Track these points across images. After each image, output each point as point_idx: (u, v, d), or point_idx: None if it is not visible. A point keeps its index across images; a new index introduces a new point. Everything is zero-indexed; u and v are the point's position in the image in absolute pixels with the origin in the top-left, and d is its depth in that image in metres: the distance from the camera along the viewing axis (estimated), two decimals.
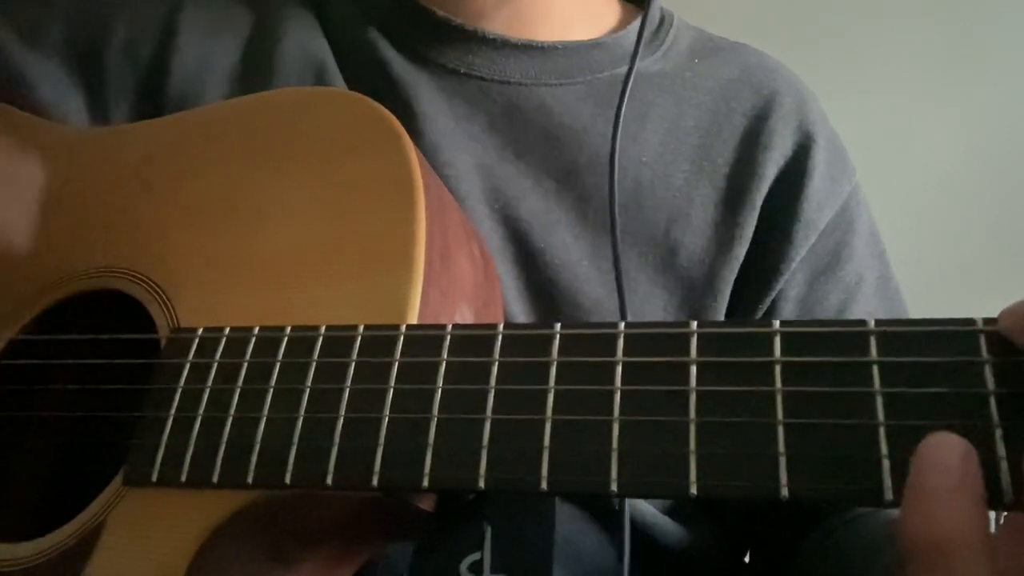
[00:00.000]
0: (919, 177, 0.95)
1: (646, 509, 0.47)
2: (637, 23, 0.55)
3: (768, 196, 0.51)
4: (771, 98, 0.53)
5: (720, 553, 0.51)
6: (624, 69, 0.51)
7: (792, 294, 0.52)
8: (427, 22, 0.52)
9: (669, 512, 0.49)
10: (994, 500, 0.24)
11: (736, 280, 0.51)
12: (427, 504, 0.35)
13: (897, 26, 0.94)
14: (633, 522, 0.46)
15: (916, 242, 0.90)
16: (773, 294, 0.51)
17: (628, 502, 0.45)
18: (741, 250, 0.50)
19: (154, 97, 0.51)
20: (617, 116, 0.46)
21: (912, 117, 0.94)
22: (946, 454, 0.24)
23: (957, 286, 0.90)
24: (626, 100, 0.47)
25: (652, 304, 0.49)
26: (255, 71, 0.51)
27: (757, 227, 0.51)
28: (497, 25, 0.52)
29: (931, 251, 0.91)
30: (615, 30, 0.55)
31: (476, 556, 0.33)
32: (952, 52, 0.94)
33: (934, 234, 0.94)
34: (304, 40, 0.52)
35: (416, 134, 0.48)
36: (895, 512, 0.46)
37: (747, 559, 0.56)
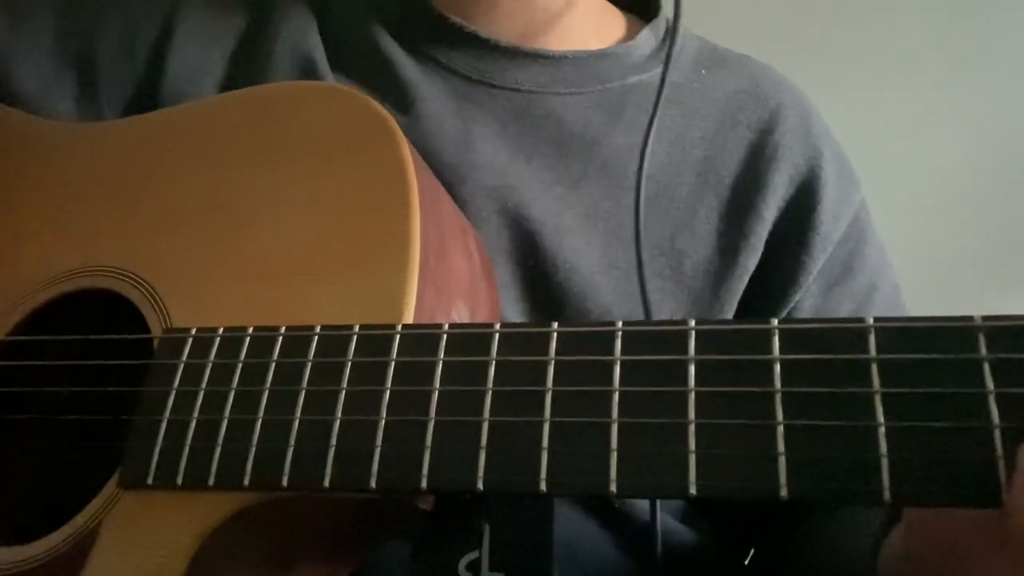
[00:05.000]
0: (919, 177, 0.95)
1: (647, 508, 0.47)
2: (645, 34, 0.55)
3: (782, 210, 0.51)
4: (776, 111, 0.53)
5: (722, 555, 0.51)
6: (632, 79, 0.52)
7: (807, 304, 0.52)
8: (439, 26, 0.52)
9: (672, 512, 0.49)
10: (992, 500, 0.24)
11: (751, 292, 0.51)
12: (426, 504, 0.35)
13: (899, 26, 0.94)
14: (633, 520, 0.46)
15: (916, 242, 0.90)
16: (791, 305, 0.51)
17: (625, 500, 0.45)
18: (749, 260, 0.50)
19: (150, 94, 0.50)
20: (648, 129, 0.46)
21: (912, 117, 0.94)
22: None
23: (957, 286, 0.90)
24: (627, 111, 0.48)
25: (659, 313, 0.49)
26: (249, 70, 0.50)
27: (770, 240, 0.51)
28: (506, 33, 0.52)
29: (931, 251, 0.91)
30: (622, 41, 0.55)
31: (474, 555, 0.33)
32: (953, 51, 0.94)
33: (934, 234, 0.94)
34: (296, 37, 0.51)
35: (423, 134, 0.48)
36: None
37: (747, 559, 0.56)
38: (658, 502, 0.42)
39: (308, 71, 0.50)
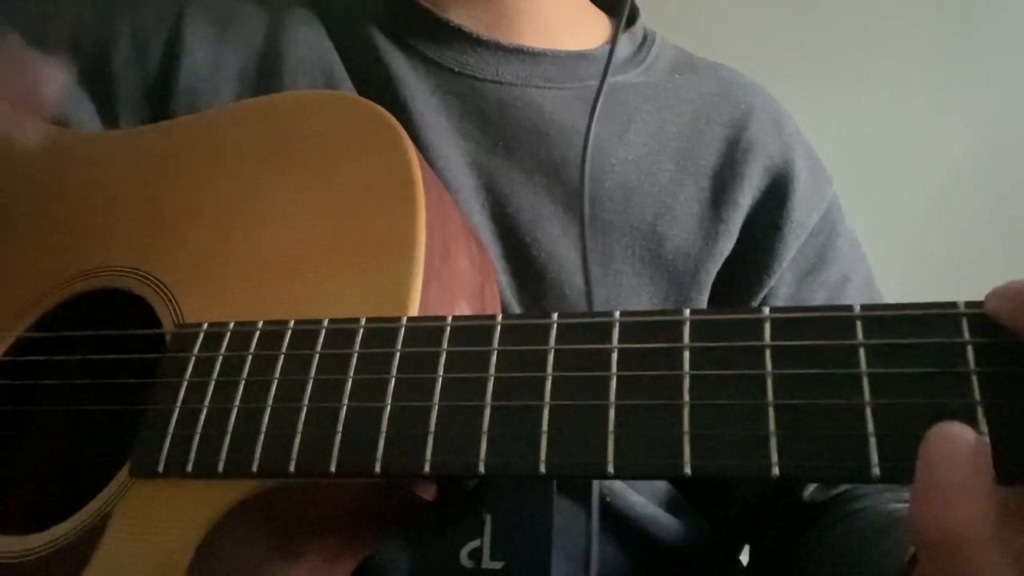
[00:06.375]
0: (920, 177, 0.96)
1: (637, 500, 0.47)
2: (623, 38, 0.57)
3: (758, 200, 0.53)
4: (748, 112, 0.56)
5: (715, 548, 0.52)
6: (610, 79, 0.53)
7: (782, 292, 0.54)
8: (425, 20, 0.54)
9: (661, 504, 0.49)
10: None
11: (728, 277, 0.52)
12: (428, 494, 0.35)
13: (899, 27, 0.96)
14: (624, 514, 0.47)
15: (916, 242, 0.90)
16: (765, 290, 0.53)
17: (616, 493, 0.46)
18: (726, 245, 0.52)
19: (164, 99, 0.52)
20: (591, 113, 0.48)
21: (913, 118, 0.95)
22: (956, 447, 0.24)
23: (957, 286, 0.91)
24: (607, 104, 0.50)
25: (638, 296, 0.50)
26: (265, 74, 0.52)
27: (745, 228, 0.53)
28: (489, 29, 0.54)
29: (931, 251, 0.92)
30: (603, 44, 0.58)
31: (476, 543, 0.34)
32: (954, 52, 0.95)
33: (934, 234, 0.94)
34: (312, 43, 0.53)
35: (412, 130, 0.50)
36: (889, 507, 0.47)
37: (746, 560, 0.56)
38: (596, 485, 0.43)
39: (328, 77, 0.52)
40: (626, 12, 0.55)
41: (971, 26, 0.95)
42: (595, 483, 0.41)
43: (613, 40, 0.52)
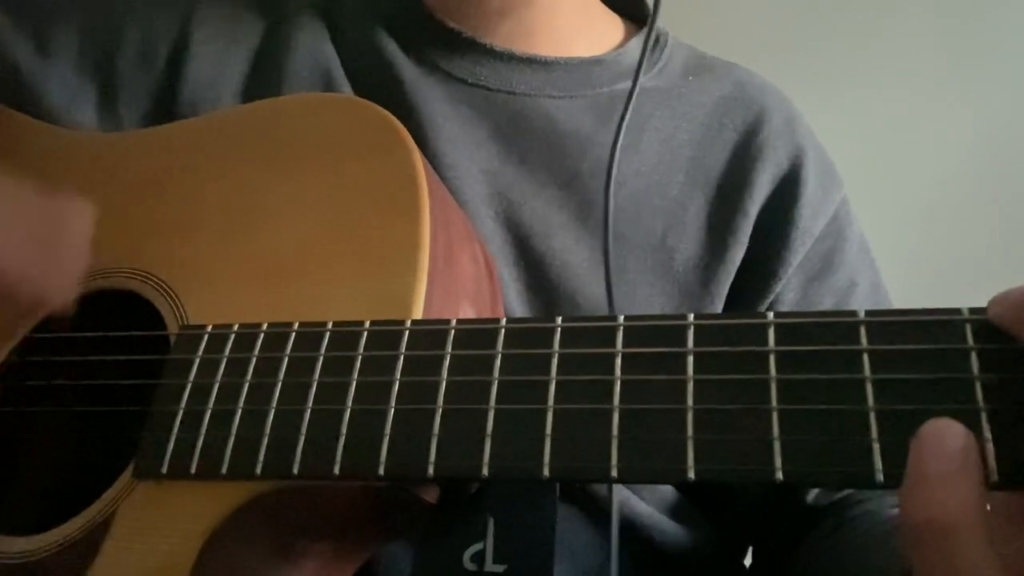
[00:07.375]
0: (923, 176, 0.96)
1: (643, 509, 0.47)
2: (635, 42, 0.57)
3: (765, 205, 0.53)
4: (761, 114, 0.55)
5: (718, 553, 0.52)
6: (622, 86, 0.54)
7: (788, 298, 0.53)
8: (438, 31, 0.54)
9: (666, 511, 0.49)
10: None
11: (735, 283, 0.52)
12: (430, 496, 0.35)
13: (902, 25, 0.96)
14: (629, 521, 0.47)
15: (918, 242, 0.90)
16: (771, 296, 0.53)
17: (622, 501, 0.46)
18: (736, 255, 0.52)
19: (168, 103, 0.52)
20: (618, 129, 0.48)
21: (913, 117, 0.95)
22: (947, 441, 0.24)
23: (959, 286, 0.91)
24: (620, 111, 0.49)
25: (650, 307, 0.50)
26: (266, 79, 0.52)
27: (753, 234, 0.53)
28: (502, 39, 0.54)
29: (933, 251, 0.92)
30: (616, 48, 0.57)
31: (479, 546, 0.34)
32: (958, 51, 0.95)
33: (936, 234, 0.94)
34: (312, 48, 0.53)
35: (422, 138, 0.50)
36: (891, 512, 0.47)
37: (748, 562, 0.57)
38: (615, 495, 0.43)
39: (327, 82, 0.52)
40: (653, 36, 0.53)
41: (979, 26, 0.94)
42: (615, 503, 0.41)
43: (641, 59, 0.50)
